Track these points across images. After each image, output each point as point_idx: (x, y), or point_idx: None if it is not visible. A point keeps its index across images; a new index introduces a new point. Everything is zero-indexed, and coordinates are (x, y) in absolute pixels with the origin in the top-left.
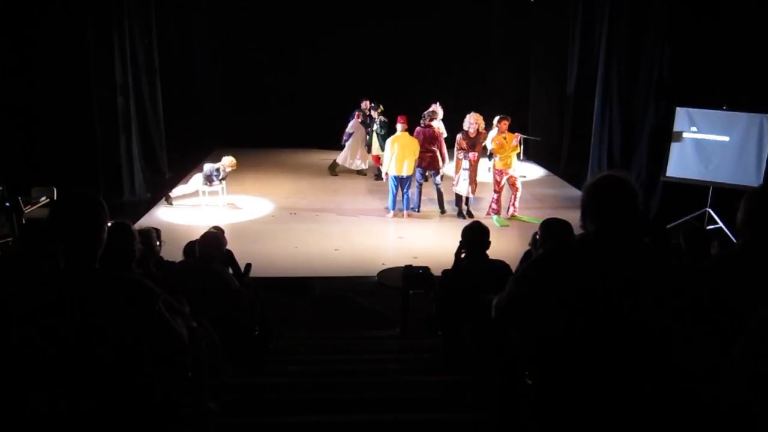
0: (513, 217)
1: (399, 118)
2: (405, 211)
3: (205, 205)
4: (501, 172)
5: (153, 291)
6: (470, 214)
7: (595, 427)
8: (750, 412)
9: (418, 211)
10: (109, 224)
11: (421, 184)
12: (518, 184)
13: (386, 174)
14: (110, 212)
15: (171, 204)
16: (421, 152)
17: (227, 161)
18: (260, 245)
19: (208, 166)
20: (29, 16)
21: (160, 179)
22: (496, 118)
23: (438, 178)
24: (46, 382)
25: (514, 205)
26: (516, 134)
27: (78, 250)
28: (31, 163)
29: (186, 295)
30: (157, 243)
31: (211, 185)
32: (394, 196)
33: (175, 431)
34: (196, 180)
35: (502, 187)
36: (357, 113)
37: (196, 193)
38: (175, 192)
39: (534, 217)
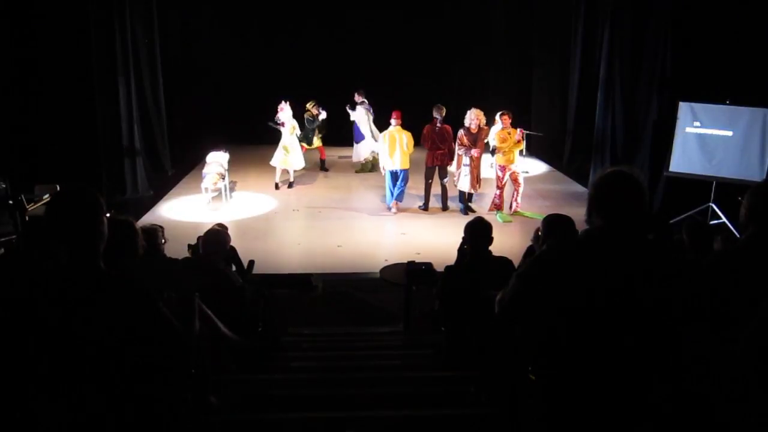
0: (515, 212)
1: (393, 113)
2: (395, 203)
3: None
4: (503, 168)
5: (153, 295)
6: (471, 210)
7: (599, 423)
8: (753, 407)
9: (426, 209)
10: (108, 215)
11: (429, 183)
12: (520, 180)
13: (383, 168)
14: (113, 209)
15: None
16: (433, 150)
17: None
18: (263, 242)
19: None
20: (31, 15)
21: (162, 176)
22: (498, 114)
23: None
24: (47, 381)
25: (516, 200)
26: (519, 129)
27: (78, 247)
28: (33, 161)
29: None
30: (162, 241)
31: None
32: (392, 191)
33: (177, 428)
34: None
35: (504, 183)
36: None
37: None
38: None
39: (537, 213)
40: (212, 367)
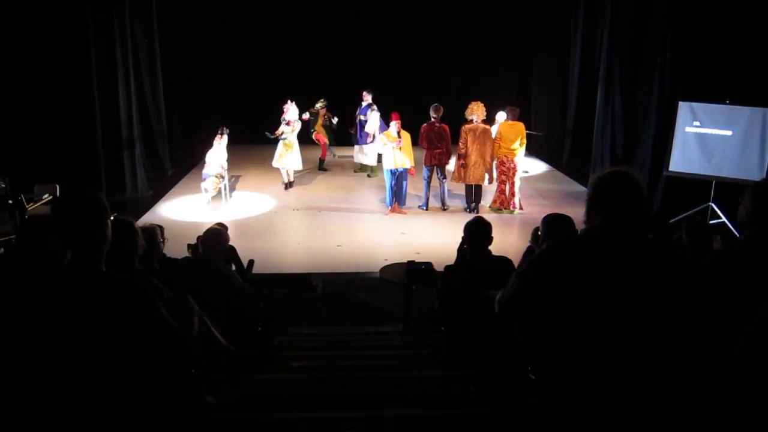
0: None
1: (393, 115)
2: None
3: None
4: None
5: (153, 297)
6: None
7: (599, 423)
8: (751, 408)
9: (426, 209)
10: (111, 218)
11: (429, 182)
12: (516, 178)
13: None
14: (113, 209)
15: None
16: (431, 150)
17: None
18: (263, 241)
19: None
20: (31, 15)
21: (162, 176)
22: (501, 114)
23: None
24: (46, 381)
25: (513, 196)
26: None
27: (81, 250)
28: (33, 161)
29: (189, 292)
30: (161, 240)
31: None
32: (392, 191)
33: (176, 428)
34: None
35: (502, 177)
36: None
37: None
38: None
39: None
40: (207, 366)
